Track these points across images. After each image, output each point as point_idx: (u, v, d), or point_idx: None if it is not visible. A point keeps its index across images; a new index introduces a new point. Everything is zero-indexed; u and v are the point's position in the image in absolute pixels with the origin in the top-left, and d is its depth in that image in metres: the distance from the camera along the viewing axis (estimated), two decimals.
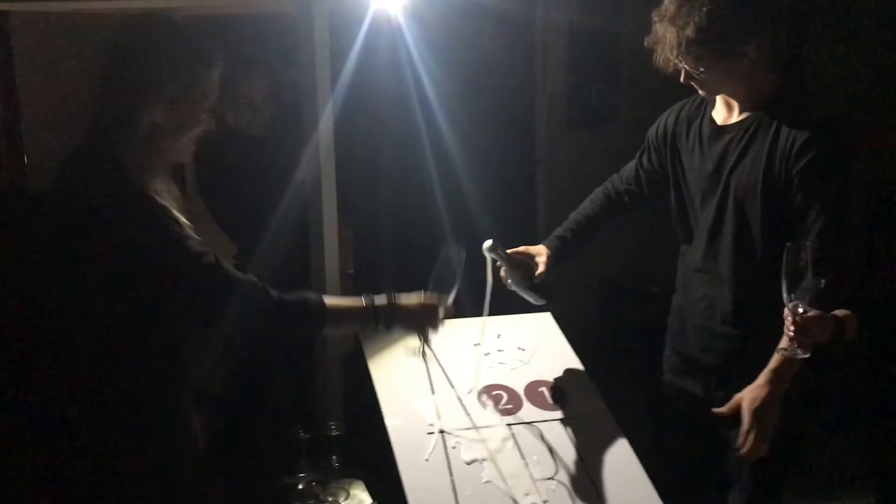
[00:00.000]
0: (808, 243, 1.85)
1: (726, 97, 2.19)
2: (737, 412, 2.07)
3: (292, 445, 2.37)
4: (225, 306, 1.68)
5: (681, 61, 2.07)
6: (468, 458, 2.15)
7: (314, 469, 2.38)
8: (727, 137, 2.18)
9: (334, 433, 2.38)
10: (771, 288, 2.13)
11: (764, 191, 2.09)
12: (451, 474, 2.10)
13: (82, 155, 1.69)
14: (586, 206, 2.53)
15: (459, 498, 2.05)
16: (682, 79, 2.13)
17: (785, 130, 2.06)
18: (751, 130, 2.13)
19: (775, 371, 2.02)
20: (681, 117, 2.32)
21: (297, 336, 1.87)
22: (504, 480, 2.12)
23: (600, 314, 4.23)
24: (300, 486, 2.34)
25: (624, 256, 4.13)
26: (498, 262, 2.32)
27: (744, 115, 2.16)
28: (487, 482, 2.10)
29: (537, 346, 2.52)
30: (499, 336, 2.54)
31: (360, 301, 1.89)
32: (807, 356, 1.94)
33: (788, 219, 2.07)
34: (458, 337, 2.51)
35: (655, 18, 2.12)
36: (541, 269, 2.36)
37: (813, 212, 2.02)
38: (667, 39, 2.07)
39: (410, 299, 1.95)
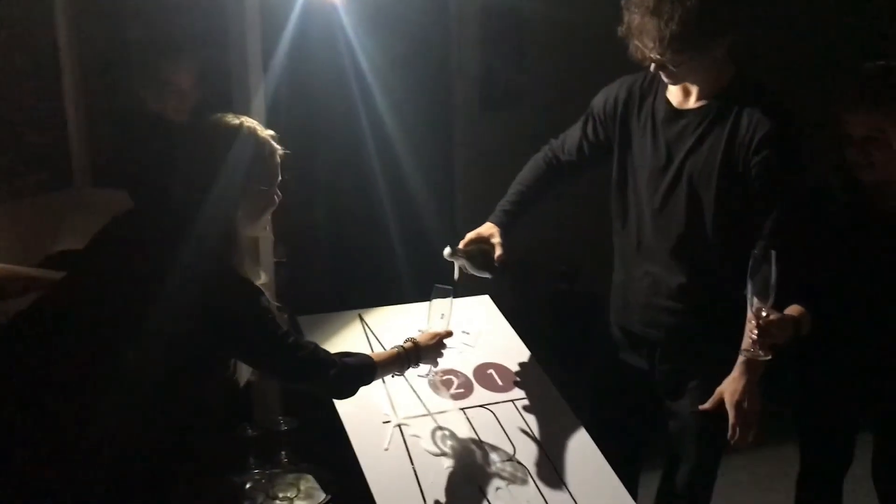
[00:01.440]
0: (773, 250, 1.90)
1: (686, 83, 2.22)
2: (721, 407, 2.14)
3: (239, 443, 2.29)
4: (298, 377, 1.97)
5: (659, 54, 2.07)
6: (427, 445, 2.14)
7: (263, 466, 2.31)
8: (683, 122, 2.21)
9: (283, 428, 2.31)
10: (716, 268, 2.21)
11: (720, 177, 2.14)
12: (411, 463, 2.09)
13: (187, 255, 1.81)
14: (528, 176, 2.49)
15: (423, 486, 2.04)
16: (652, 68, 2.14)
17: (745, 121, 2.12)
18: (709, 118, 2.17)
19: (748, 362, 2.10)
20: (633, 93, 2.32)
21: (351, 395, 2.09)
22: (465, 466, 2.12)
23: (510, 294, 4.28)
24: (249, 485, 2.27)
25: (531, 236, 4.19)
26: (459, 263, 2.31)
27: (701, 103, 2.20)
28: (448, 468, 2.10)
29: (481, 328, 2.53)
30: (442, 317, 2.52)
31: (394, 351, 2.15)
32: (768, 357, 2.02)
33: (741, 206, 2.12)
34: (402, 323, 2.49)
35: (633, 9, 2.09)
36: (499, 251, 2.33)
37: (769, 201, 2.09)
38: (646, 31, 2.05)
39: (425, 338, 2.21)
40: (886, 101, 2.11)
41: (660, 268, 2.29)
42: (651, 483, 2.60)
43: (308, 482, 2.33)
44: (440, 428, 2.20)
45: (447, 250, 2.27)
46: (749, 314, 1.97)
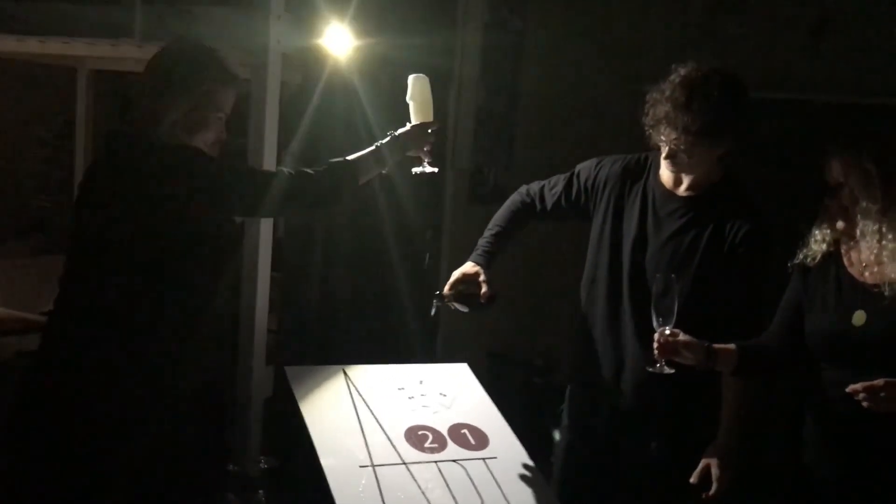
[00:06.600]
0: (673, 275, 2.18)
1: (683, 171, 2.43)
2: (708, 474, 2.31)
3: (219, 477, 2.38)
4: (279, 204, 2.14)
5: (679, 144, 2.31)
6: (401, 493, 2.24)
7: None
8: (676, 204, 2.44)
9: (263, 466, 2.40)
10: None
11: (700, 262, 2.37)
12: None
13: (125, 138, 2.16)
14: (505, 217, 2.68)
15: None
16: (665, 155, 2.37)
17: (729, 215, 2.37)
18: (698, 207, 2.41)
19: (729, 430, 2.31)
20: (626, 172, 2.53)
21: (341, 197, 2.23)
22: None
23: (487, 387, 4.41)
24: None
25: (508, 329, 4.35)
26: (452, 306, 2.47)
27: (691, 192, 2.43)
28: None
29: (457, 392, 2.66)
30: (421, 382, 2.66)
31: (371, 147, 2.27)
32: (672, 371, 2.21)
33: (711, 289, 2.35)
34: (382, 382, 2.63)
35: (663, 102, 2.30)
36: (485, 288, 2.48)
37: (743, 287, 2.34)
38: (672, 122, 2.27)
39: (407, 129, 2.31)
40: (844, 149, 2.24)
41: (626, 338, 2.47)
42: None
43: None
44: (414, 477, 2.31)
45: (435, 302, 2.42)
46: (656, 334, 2.17)
